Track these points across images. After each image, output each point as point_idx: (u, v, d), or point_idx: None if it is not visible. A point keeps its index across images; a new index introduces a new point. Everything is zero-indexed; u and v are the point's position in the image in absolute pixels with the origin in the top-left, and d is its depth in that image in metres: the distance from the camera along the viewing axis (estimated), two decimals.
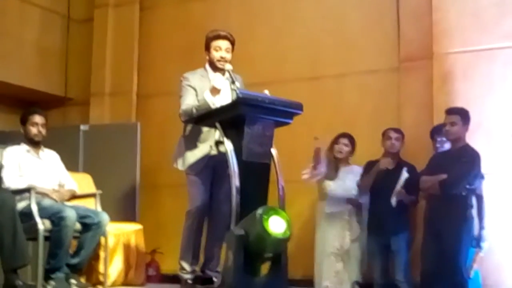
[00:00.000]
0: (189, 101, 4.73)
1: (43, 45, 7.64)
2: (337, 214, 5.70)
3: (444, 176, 5.07)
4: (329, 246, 5.70)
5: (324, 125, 6.42)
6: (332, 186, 5.75)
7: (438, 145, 5.58)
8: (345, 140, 5.84)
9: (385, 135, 5.70)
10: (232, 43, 4.91)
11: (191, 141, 4.82)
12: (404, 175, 5.34)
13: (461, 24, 5.91)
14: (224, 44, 4.86)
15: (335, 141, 5.85)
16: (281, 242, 3.83)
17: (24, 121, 5.16)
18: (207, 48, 4.91)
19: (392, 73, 6.43)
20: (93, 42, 7.86)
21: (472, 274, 5.21)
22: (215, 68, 4.88)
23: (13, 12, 7.19)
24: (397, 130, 5.71)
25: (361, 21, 6.68)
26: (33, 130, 5.14)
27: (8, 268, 4.34)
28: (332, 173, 5.82)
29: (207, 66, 4.95)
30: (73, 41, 7.99)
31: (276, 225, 3.74)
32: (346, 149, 5.82)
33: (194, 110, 4.61)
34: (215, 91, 4.59)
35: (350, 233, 5.68)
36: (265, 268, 3.97)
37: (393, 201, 5.37)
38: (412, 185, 5.39)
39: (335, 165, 5.85)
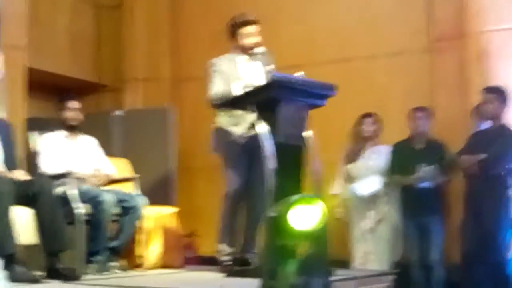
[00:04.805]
0: (218, 87, 4.73)
1: (75, 32, 7.64)
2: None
3: (483, 155, 5.04)
4: (358, 227, 5.73)
5: (354, 107, 6.37)
6: (352, 168, 5.78)
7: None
8: (369, 119, 5.83)
9: (409, 115, 5.67)
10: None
11: (225, 125, 4.85)
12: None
13: (495, 1, 5.83)
14: (254, 28, 4.84)
15: (360, 122, 5.85)
16: (311, 235, 3.70)
17: (60, 107, 5.26)
18: (234, 34, 4.89)
19: (423, 54, 6.41)
20: (124, 28, 7.87)
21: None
22: (244, 50, 4.86)
23: (44, 0, 7.24)
24: (421, 109, 5.66)
25: (390, 1, 6.63)
26: (70, 114, 5.23)
27: (50, 252, 4.40)
28: (356, 156, 5.83)
29: (235, 50, 4.92)
30: (105, 27, 7.97)
31: (303, 218, 3.58)
32: (372, 127, 5.81)
33: (222, 98, 4.62)
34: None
35: (375, 213, 5.68)
36: (303, 248, 3.96)
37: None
38: (443, 164, 5.37)
39: (361, 146, 5.85)
